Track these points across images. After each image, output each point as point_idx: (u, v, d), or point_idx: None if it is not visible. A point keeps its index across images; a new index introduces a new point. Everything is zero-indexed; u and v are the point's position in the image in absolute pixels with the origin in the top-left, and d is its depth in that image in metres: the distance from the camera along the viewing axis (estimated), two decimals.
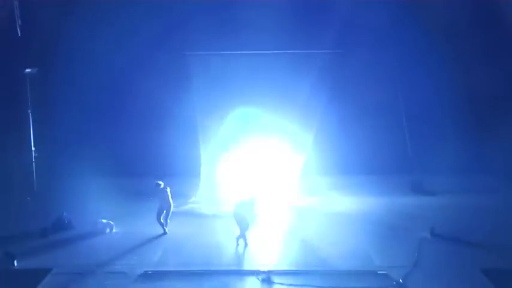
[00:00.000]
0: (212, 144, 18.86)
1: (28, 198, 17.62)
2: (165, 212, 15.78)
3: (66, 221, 16.20)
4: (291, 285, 12.91)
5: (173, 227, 16.05)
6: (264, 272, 13.32)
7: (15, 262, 13.83)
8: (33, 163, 18.07)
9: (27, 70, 17.89)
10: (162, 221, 15.80)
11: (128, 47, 17.62)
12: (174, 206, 15.83)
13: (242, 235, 14.85)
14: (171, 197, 15.78)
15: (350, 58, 18.76)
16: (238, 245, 14.89)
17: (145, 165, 18.25)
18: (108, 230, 16.02)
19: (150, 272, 13.56)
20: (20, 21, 17.66)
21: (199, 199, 18.54)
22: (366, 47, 18.84)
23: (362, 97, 18.68)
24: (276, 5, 17.80)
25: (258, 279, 13.11)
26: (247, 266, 13.88)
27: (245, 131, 18.70)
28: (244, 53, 18.66)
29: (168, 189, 15.79)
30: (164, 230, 15.80)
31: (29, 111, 17.85)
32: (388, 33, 18.95)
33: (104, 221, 16.10)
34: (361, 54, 18.71)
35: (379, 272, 13.46)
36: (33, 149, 17.95)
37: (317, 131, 19.01)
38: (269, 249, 14.88)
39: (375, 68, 19.02)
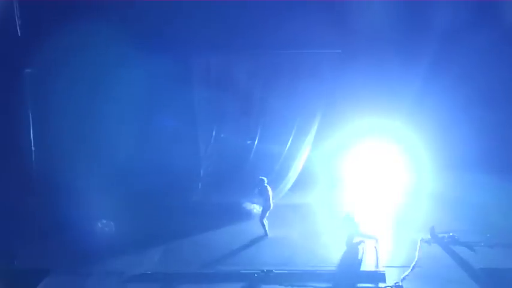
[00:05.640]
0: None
1: (27, 199, 17.58)
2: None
3: (67, 221, 16.17)
4: (290, 285, 12.94)
5: (173, 227, 16.09)
6: (264, 272, 13.33)
7: (15, 262, 13.84)
8: (33, 162, 18.07)
9: (27, 70, 17.90)
10: (264, 221, 15.62)
11: (131, 46, 17.54)
12: None
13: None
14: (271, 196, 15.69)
15: None
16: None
17: (147, 165, 18.17)
18: (108, 230, 16.03)
19: (149, 273, 13.58)
20: (20, 21, 17.68)
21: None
22: None
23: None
24: None
25: (258, 279, 13.12)
26: (247, 266, 13.84)
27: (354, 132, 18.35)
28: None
29: (269, 187, 15.69)
30: (266, 231, 15.60)
31: (29, 111, 17.88)
32: None
33: (104, 221, 16.12)
34: None
35: (378, 272, 13.49)
36: (33, 149, 17.97)
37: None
38: (269, 249, 14.89)
39: None
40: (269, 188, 15.78)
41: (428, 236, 15.30)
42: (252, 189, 16.58)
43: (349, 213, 14.96)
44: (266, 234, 15.63)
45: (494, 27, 17.21)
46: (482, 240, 14.87)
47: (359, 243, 14.71)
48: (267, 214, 15.76)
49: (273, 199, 15.83)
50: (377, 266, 13.86)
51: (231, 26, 17.52)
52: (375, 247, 14.60)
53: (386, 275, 13.26)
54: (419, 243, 14.78)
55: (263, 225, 15.68)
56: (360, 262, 14.15)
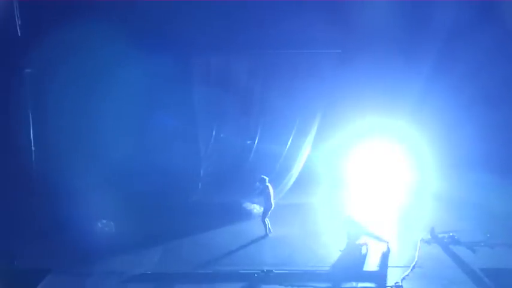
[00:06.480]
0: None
1: (27, 199, 17.59)
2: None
3: (67, 221, 16.18)
4: (290, 285, 12.90)
5: (173, 227, 16.05)
6: (264, 272, 13.30)
7: (15, 262, 13.84)
8: (33, 162, 18.09)
9: (27, 70, 17.92)
10: (266, 220, 15.71)
11: (131, 46, 17.53)
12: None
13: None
14: (273, 196, 15.79)
15: None
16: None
17: (147, 165, 18.16)
18: (108, 230, 16.02)
19: (149, 273, 13.56)
20: (20, 21, 17.69)
21: None
22: None
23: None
24: None
25: (258, 279, 13.09)
26: (247, 266, 13.82)
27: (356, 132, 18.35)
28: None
29: (270, 187, 15.78)
30: (269, 230, 15.69)
31: (29, 111, 17.91)
32: None
33: (104, 221, 16.11)
34: None
35: (378, 272, 13.44)
36: (33, 149, 18.00)
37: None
38: (269, 249, 14.87)
39: None
40: (270, 188, 15.79)
41: (429, 236, 15.25)
42: (252, 189, 16.60)
43: (350, 214, 14.93)
44: (267, 234, 15.63)
45: (499, 25, 17.15)
46: (482, 240, 14.84)
47: (362, 244, 14.65)
48: (269, 214, 15.79)
49: (273, 199, 15.83)
50: (387, 266, 13.81)
51: (231, 26, 17.48)
52: (388, 247, 14.56)
53: (386, 275, 13.22)
54: (419, 244, 14.76)
55: (265, 224, 15.70)
56: (360, 262, 14.12)
